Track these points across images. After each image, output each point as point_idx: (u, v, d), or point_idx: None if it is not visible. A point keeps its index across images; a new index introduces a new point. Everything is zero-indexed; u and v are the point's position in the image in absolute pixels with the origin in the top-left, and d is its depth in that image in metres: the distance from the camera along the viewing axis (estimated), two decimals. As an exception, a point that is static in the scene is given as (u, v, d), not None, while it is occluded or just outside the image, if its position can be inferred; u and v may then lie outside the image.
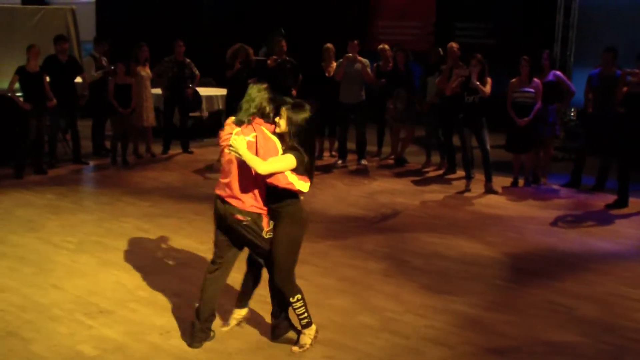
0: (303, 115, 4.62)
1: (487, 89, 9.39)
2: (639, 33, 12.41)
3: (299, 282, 6.35)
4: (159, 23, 17.44)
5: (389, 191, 9.74)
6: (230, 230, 4.85)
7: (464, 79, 9.52)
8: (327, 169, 10.97)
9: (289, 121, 4.60)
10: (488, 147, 9.66)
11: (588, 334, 5.32)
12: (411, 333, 5.22)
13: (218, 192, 4.85)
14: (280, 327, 5.04)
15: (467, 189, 9.72)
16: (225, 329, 5.18)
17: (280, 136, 4.68)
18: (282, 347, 4.96)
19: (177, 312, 5.51)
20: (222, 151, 4.81)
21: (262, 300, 5.77)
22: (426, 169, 11.12)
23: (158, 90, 11.96)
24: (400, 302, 5.83)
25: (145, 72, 11.36)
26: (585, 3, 13.58)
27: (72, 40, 13.62)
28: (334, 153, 11.85)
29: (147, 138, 11.65)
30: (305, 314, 4.89)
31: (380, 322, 5.42)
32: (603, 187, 9.77)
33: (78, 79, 11.03)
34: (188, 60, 11.72)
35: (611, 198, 9.18)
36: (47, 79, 10.28)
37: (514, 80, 9.86)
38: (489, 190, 9.69)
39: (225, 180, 4.79)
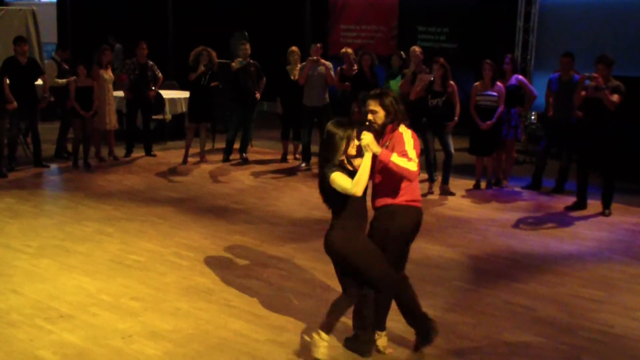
0: None
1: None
2: (598, 37, 12.64)
3: (260, 285, 6.34)
4: (121, 25, 17.36)
5: (352, 194, 9.75)
6: None
7: (428, 83, 9.62)
8: (291, 172, 10.98)
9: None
10: (452, 150, 9.74)
11: (547, 334, 5.41)
12: (373, 335, 5.25)
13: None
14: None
15: (430, 192, 9.79)
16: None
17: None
18: (244, 349, 4.96)
19: (139, 316, 5.47)
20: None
21: (226, 303, 5.77)
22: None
23: (120, 93, 11.86)
24: (362, 304, 5.84)
25: (108, 75, 11.27)
26: (544, 8, 13.80)
27: (33, 41, 13.48)
28: (297, 156, 11.85)
29: (109, 141, 11.55)
30: None
31: (343, 324, 5.43)
32: (563, 190, 9.94)
33: (39, 81, 10.90)
34: (151, 62, 11.64)
35: (570, 200, 9.33)
36: (7, 81, 10.14)
37: (477, 83, 9.96)
38: (445, 192, 9.77)
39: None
